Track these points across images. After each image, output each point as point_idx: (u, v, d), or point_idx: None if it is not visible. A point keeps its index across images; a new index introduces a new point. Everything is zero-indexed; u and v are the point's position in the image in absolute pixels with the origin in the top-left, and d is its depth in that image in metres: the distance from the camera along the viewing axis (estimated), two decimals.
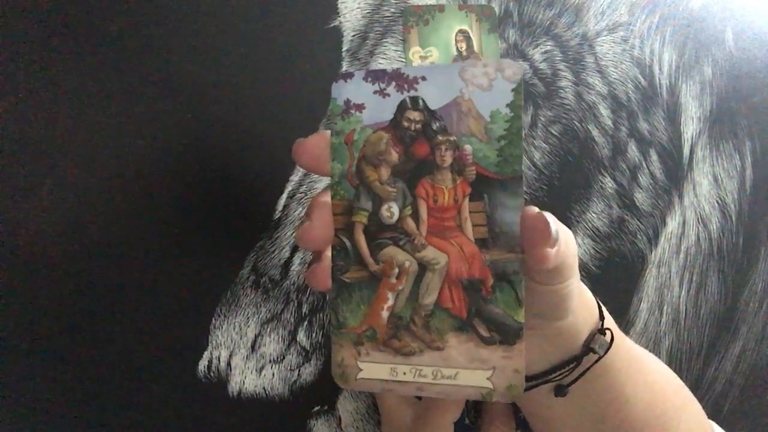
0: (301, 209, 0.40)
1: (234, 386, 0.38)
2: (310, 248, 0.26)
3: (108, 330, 0.35)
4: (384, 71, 0.26)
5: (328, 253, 0.26)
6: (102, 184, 0.35)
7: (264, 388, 0.39)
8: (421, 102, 0.25)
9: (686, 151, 0.51)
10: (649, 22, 0.50)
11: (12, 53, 0.34)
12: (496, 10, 0.45)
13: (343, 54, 0.41)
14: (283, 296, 0.39)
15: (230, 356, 0.38)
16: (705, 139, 0.52)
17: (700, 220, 0.52)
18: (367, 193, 0.26)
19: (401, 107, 0.25)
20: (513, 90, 0.24)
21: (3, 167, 0.33)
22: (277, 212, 0.39)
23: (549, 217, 0.24)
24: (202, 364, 0.37)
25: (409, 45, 0.44)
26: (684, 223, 0.51)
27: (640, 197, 0.50)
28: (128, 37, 0.36)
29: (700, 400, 0.38)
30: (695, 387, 0.52)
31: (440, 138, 0.25)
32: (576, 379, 0.31)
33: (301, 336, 0.39)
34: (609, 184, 0.49)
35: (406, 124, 0.25)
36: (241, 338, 0.38)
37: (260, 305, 0.39)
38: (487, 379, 0.25)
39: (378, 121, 0.26)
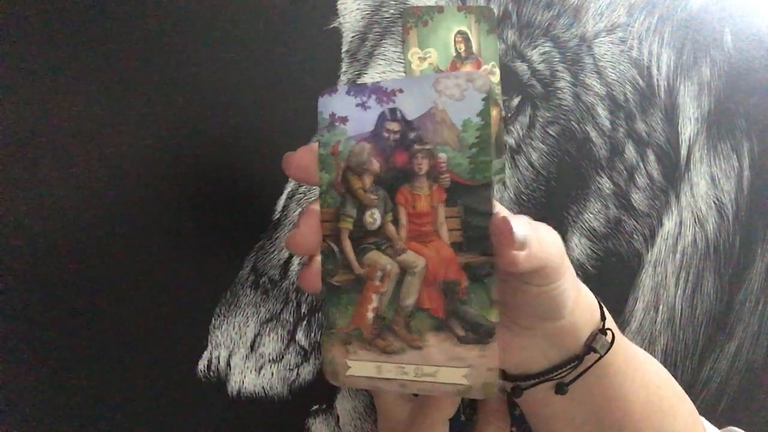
0: (300, 209, 0.40)
1: (233, 386, 0.38)
2: (299, 253, 0.28)
3: (108, 329, 0.35)
4: (365, 85, 0.27)
5: (318, 257, 0.28)
6: (102, 184, 0.35)
7: (263, 387, 0.39)
8: (398, 113, 0.27)
9: (684, 151, 0.51)
10: (648, 23, 0.50)
11: (12, 53, 0.34)
12: (495, 11, 0.45)
13: (343, 55, 0.41)
14: (282, 296, 0.39)
15: (229, 356, 0.38)
16: (702, 140, 0.52)
17: (696, 221, 0.52)
18: (352, 201, 0.27)
19: (381, 119, 0.27)
20: (483, 99, 0.25)
21: (3, 166, 0.34)
22: (276, 212, 0.40)
23: (517, 220, 0.25)
24: (202, 364, 0.38)
25: (408, 46, 0.44)
26: (681, 223, 0.52)
27: (637, 197, 0.50)
28: (128, 37, 0.36)
29: (695, 399, 0.38)
30: (690, 386, 0.52)
31: (417, 147, 0.26)
32: (576, 378, 0.32)
33: (300, 336, 0.40)
34: (606, 184, 0.49)
35: (385, 134, 0.27)
36: (240, 338, 0.38)
37: (259, 305, 0.39)
38: (464, 376, 0.26)
39: (360, 132, 0.27)
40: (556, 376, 0.32)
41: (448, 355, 0.26)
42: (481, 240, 0.25)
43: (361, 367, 0.27)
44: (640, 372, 0.34)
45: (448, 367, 0.26)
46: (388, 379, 0.27)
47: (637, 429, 0.34)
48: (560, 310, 0.29)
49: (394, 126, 0.27)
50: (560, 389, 0.33)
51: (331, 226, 0.27)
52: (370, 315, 0.27)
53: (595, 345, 0.31)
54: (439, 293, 0.26)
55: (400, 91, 0.26)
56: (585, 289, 0.33)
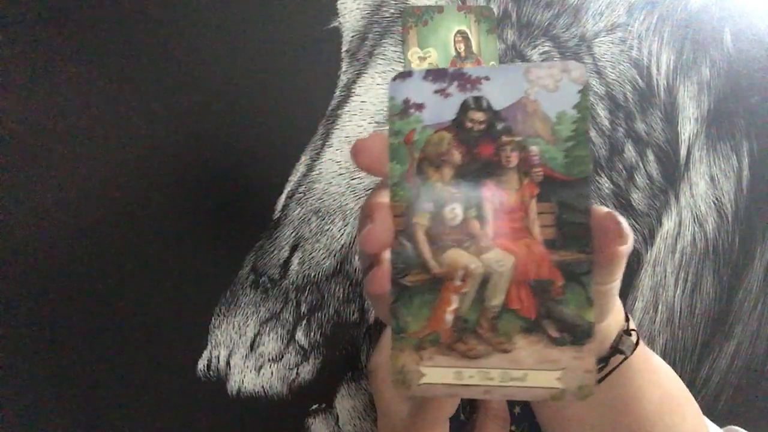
0: (300, 209, 0.40)
1: (233, 385, 0.38)
2: (374, 251, 0.25)
3: (108, 329, 0.36)
4: (445, 71, 0.25)
5: (387, 255, 0.26)
6: (102, 184, 0.35)
7: (263, 386, 0.39)
8: (485, 102, 0.25)
9: (683, 151, 0.52)
10: (648, 23, 0.50)
11: (12, 53, 0.34)
12: (495, 11, 0.45)
13: (343, 55, 0.41)
14: (282, 296, 0.39)
15: (229, 355, 0.38)
16: (702, 140, 0.52)
17: (696, 220, 0.52)
18: (428, 195, 0.25)
19: (464, 107, 0.25)
20: (579, 92, 0.24)
21: (3, 167, 0.34)
22: (276, 212, 0.40)
23: (619, 216, 0.24)
24: (202, 363, 0.38)
25: (408, 45, 0.44)
26: (680, 223, 0.52)
27: (637, 197, 0.50)
28: (129, 36, 0.36)
29: (694, 398, 0.39)
30: (689, 385, 0.52)
31: (505, 139, 0.25)
32: (601, 380, 0.32)
33: (300, 335, 0.40)
34: (606, 184, 0.49)
35: (469, 124, 0.25)
36: (240, 337, 0.38)
37: (259, 305, 0.39)
38: (557, 379, 0.24)
39: (439, 121, 0.25)
40: None
41: (539, 357, 0.24)
42: (577, 237, 0.24)
43: (437, 373, 0.25)
44: (654, 373, 0.35)
45: (539, 371, 0.24)
46: (469, 385, 0.25)
47: (649, 429, 0.34)
48: (608, 310, 0.29)
49: (479, 116, 0.25)
50: None
51: (402, 221, 0.25)
52: (449, 317, 0.25)
53: (622, 346, 0.31)
54: (530, 293, 0.24)
55: (486, 78, 0.25)
56: None
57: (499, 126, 0.25)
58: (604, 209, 0.24)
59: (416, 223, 0.25)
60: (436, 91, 0.25)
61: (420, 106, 0.25)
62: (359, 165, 0.26)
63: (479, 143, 0.25)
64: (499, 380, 0.25)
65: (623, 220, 0.24)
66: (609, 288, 0.27)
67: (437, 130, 0.25)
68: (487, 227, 0.25)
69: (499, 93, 0.25)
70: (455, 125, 0.25)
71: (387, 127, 0.26)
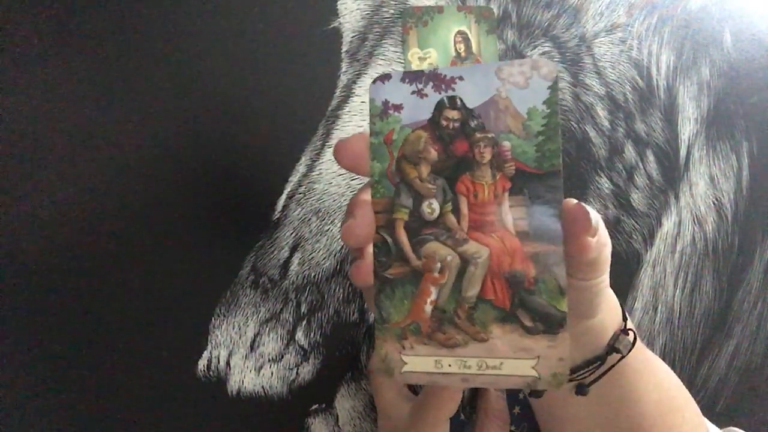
0: (300, 209, 0.40)
1: (233, 385, 0.38)
2: (355, 245, 0.27)
3: (108, 329, 0.36)
4: (422, 72, 0.26)
5: (370, 250, 0.27)
6: (101, 185, 0.35)
7: (263, 387, 0.39)
8: (458, 101, 0.26)
9: (683, 151, 0.52)
10: (648, 23, 0.50)
11: (12, 53, 0.34)
12: (495, 11, 0.45)
13: (342, 55, 0.41)
14: (282, 296, 0.40)
15: (229, 355, 0.38)
16: (702, 140, 0.52)
17: (695, 221, 0.52)
18: (407, 191, 0.26)
19: (439, 106, 0.26)
20: (549, 88, 0.25)
21: (3, 167, 0.34)
22: (276, 212, 0.40)
23: (588, 207, 0.25)
24: (202, 364, 0.38)
25: (407, 46, 0.44)
26: (680, 223, 0.52)
27: (637, 197, 0.50)
28: (129, 37, 0.36)
29: (694, 398, 0.39)
30: (689, 385, 0.53)
31: (479, 135, 0.26)
32: (597, 379, 0.32)
33: (300, 335, 0.40)
34: (605, 184, 0.49)
35: (444, 122, 0.26)
36: (240, 338, 0.39)
37: (259, 305, 0.39)
38: (532, 368, 0.25)
39: (416, 120, 0.26)
40: (578, 377, 0.32)
41: (514, 346, 0.25)
42: (549, 228, 0.25)
43: (418, 362, 0.26)
44: (653, 373, 0.35)
45: (514, 359, 0.25)
46: (448, 373, 0.26)
47: (648, 430, 0.34)
48: (597, 306, 0.29)
49: (454, 114, 0.26)
50: (581, 390, 0.32)
51: (383, 217, 0.27)
52: (429, 308, 0.26)
53: (618, 345, 0.31)
54: (504, 284, 0.25)
55: (460, 78, 0.26)
56: (609, 289, 0.33)
57: (473, 123, 0.26)
58: (573, 201, 0.25)
59: (396, 218, 0.27)
60: (413, 92, 0.27)
61: (398, 107, 0.27)
62: (341, 164, 0.28)
63: (454, 140, 0.26)
64: (477, 369, 0.26)
65: (592, 211, 0.25)
66: (594, 284, 0.27)
67: (414, 129, 0.26)
68: (463, 221, 0.26)
69: (472, 92, 0.26)
70: (431, 124, 0.26)
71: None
